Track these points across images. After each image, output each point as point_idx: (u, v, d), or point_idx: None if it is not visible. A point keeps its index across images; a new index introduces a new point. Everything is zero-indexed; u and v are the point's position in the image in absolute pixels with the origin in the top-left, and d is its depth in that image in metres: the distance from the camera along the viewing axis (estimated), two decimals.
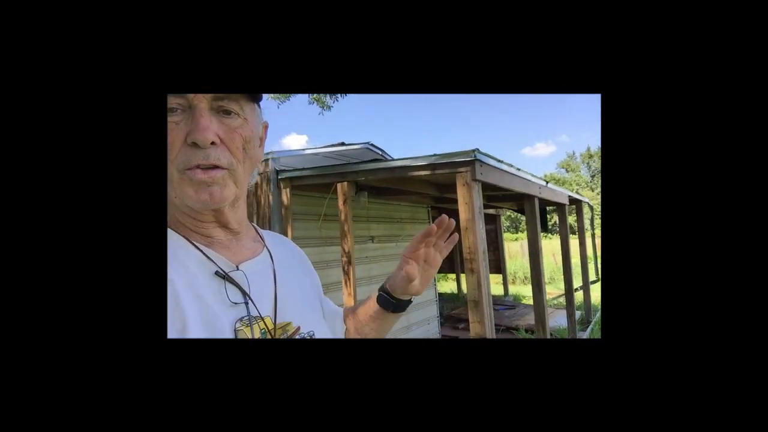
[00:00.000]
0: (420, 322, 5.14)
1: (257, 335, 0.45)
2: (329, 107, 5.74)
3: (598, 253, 7.40)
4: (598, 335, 4.76)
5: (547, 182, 3.81)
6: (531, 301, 7.72)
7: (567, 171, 37.52)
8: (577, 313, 5.16)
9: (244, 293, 0.46)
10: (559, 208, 4.83)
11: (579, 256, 5.94)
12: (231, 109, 0.46)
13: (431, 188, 3.79)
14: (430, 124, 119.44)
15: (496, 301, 6.99)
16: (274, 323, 0.48)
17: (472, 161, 2.36)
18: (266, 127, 0.57)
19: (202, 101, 0.44)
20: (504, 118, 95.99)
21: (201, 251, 0.47)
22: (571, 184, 33.06)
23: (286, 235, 3.28)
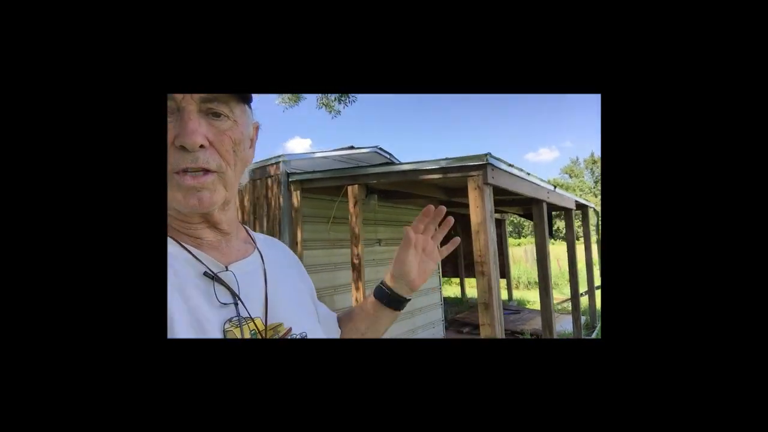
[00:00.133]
0: (425, 326, 5.15)
1: (247, 336, 0.45)
2: (338, 112, 5.79)
3: None
4: None
5: (555, 187, 3.83)
6: (535, 306, 7.72)
7: (570, 177, 37.47)
8: (582, 318, 5.16)
9: (233, 294, 0.46)
10: (566, 213, 4.85)
11: (584, 262, 5.94)
12: (220, 111, 0.45)
13: (439, 192, 3.82)
14: (433, 130, 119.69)
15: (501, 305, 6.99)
16: (265, 324, 0.48)
17: (484, 165, 2.39)
18: (257, 128, 0.56)
19: (190, 103, 0.43)
20: (507, 124, 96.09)
21: (189, 252, 0.46)
22: (574, 190, 32.98)
23: (296, 237, 3.32)
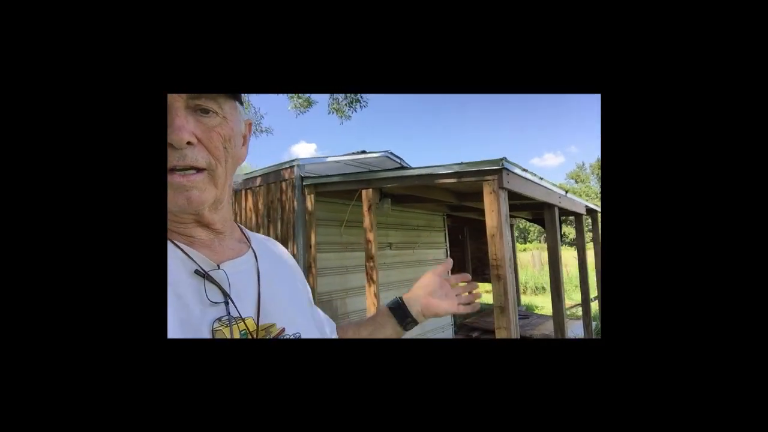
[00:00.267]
0: (434, 330, 5.15)
1: (236, 336, 0.44)
2: (348, 117, 5.85)
3: None
4: None
5: (567, 191, 3.84)
6: (543, 312, 7.68)
7: (576, 182, 37.33)
8: (593, 324, 5.13)
9: (223, 293, 0.45)
10: (577, 218, 4.85)
11: (593, 267, 5.92)
12: (209, 108, 0.44)
13: (451, 196, 3.84)
14: (437, 135, 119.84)
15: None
16: (257, 324, 0.47)
17: (499, 170, 2.41)
18: (250, 125, 0.55)
19: (177, 100, 0.43)
20: (511, 129, 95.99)
21: (181, 249, 0.46)
22: (581, 195, 32.83)
23: (309, 240, 3.35)
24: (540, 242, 31.39)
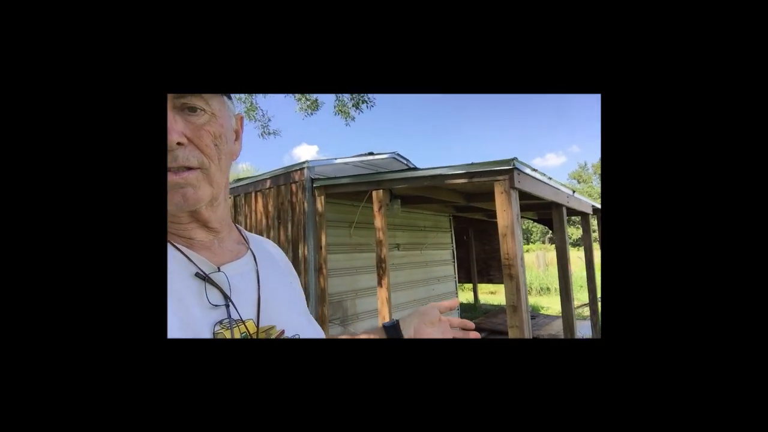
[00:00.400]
0: None
1: (237, 338, 0.44)
2: (353, 118, 5.88)
3: None
4: None
5: (574, 191, 3.86)
6: (549, 312, 7.68)
7: (579, 182, 37.31)
8: (600, 323, 5.14)
9: (224, 296, 0.45)
10: (583, 217, 4.86)
11: (600, 266, 5.93)
12: (196, 106, 0.44)
13: (459, 197, 3.87)
14: (438, 136, 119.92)
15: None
16: (257, 327, 0.47)
17: (510, 170, 2.44)
18: (241, 119, 0.54)
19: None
20: (512, 129, 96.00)
21: (181, 252, 0.45)
22: (583, 195, 32.80)
23: (320, 241, 3.37)
24: (543, 243, 31.35)
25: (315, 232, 3.41)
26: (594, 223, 5.68)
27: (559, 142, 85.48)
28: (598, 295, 4.92)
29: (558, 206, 3.64)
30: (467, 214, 5.71)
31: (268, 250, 0.59)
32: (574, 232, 25.81)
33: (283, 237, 3.58)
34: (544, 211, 5.24)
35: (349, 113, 5.83)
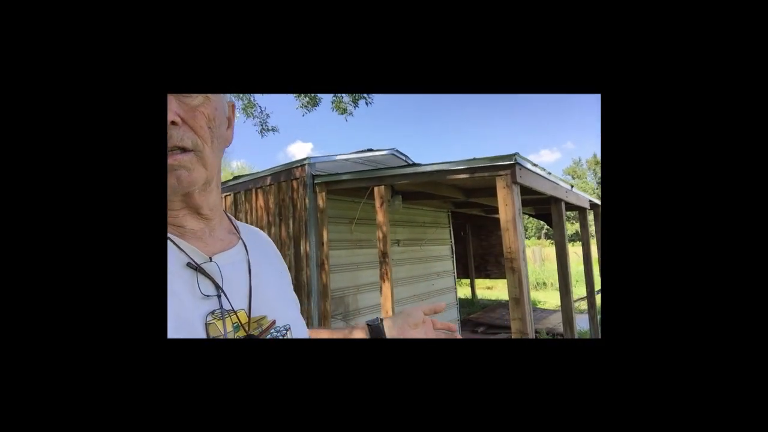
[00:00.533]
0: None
1: (229, 329, 0.44)
2: (351, 113, 5.89)
3: None
4: None
5: (572, 186, 3.90)
6: (546, 306, 7.75)
7: (573, 178, 37.55)
8: (598, 316, 5.21)
9: (216, 286, 0.45)
10: (581, 212, 4.92)
11: (597, 260, 6.00)
12: None
13: (459, 192, 3.90)
14: (434, 134, 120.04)
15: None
16: (249, 317, 0.47)
17: (512, 164, 2.47)
18: (233, 107, 0.55)
19: None
20: (507, 126, 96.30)
21: (173, 241, 0.45)
22: (577, 190, 33.01)
23: (322, 237, 3.39)
24: (538, 238, 31.54)
25: (317, 228, 3.43)
26: (590, 218, 5.73)
27: (553, 139, 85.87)
28: (596, 288, 4.98)
29: (557, 201, 3.68)
30: (466, 209, 5.75)
31: (258, 239, 0.59)
32: (569, 228, 25.98)
33: (285, 233, 3.59)
34: (541, 207, 5.29)
35: (346, 109, 5.83)
